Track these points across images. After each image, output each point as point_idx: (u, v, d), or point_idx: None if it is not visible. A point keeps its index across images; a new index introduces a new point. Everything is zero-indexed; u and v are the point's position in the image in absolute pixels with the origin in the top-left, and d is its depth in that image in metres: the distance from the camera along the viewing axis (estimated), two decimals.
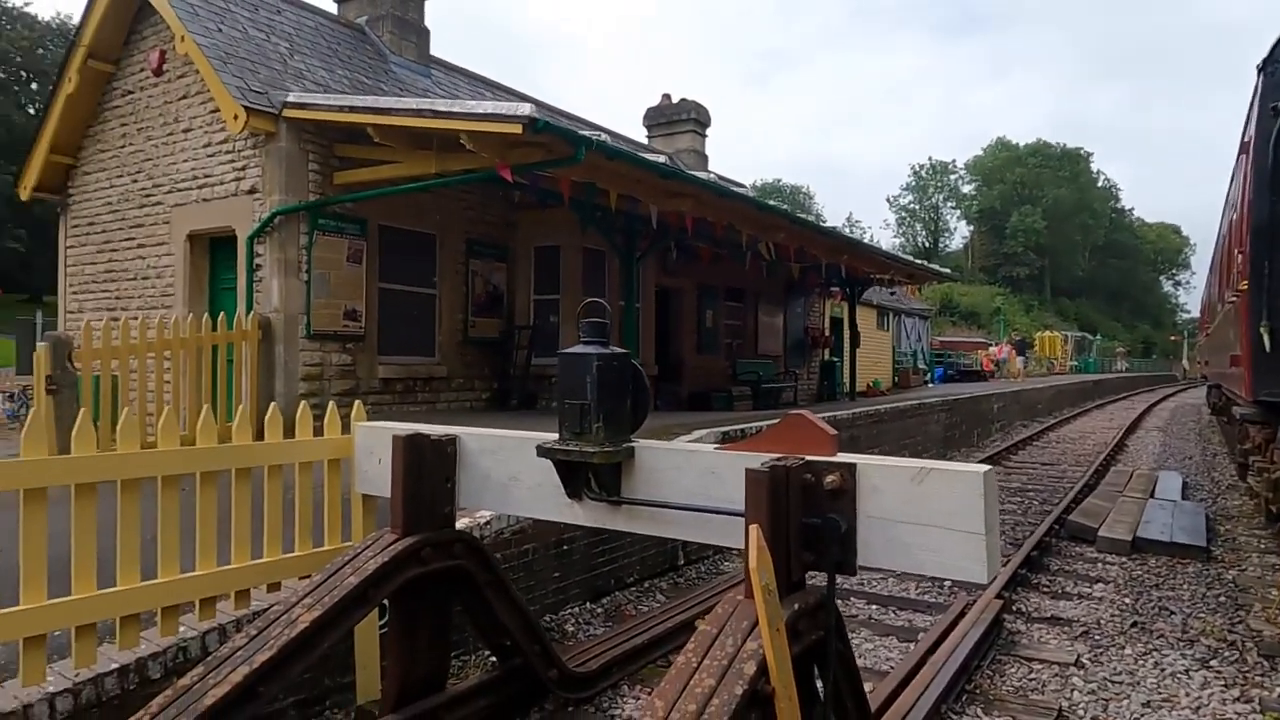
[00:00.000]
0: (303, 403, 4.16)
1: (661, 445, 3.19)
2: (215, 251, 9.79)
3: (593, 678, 4.41)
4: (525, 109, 6.75)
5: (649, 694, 4.58)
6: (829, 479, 2.67)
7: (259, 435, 3.88)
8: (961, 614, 5.45)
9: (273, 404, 4.09)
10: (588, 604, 5.99)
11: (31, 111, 52.19)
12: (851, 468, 2.66)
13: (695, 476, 3.04)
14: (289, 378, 8.76)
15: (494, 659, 4.70)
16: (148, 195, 10.15)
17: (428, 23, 12.88)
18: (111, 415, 7.23)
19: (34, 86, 53.71)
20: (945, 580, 6.46)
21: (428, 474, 3.61)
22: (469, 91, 13.34)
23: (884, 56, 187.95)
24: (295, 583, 4.15)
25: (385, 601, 3.58)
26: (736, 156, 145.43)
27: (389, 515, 4.48)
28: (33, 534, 3.06)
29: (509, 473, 3.60)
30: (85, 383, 7.15)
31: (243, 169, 9.07)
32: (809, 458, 2.74)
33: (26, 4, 57.69)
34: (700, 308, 15.28)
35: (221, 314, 8.44)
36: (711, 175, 10.88)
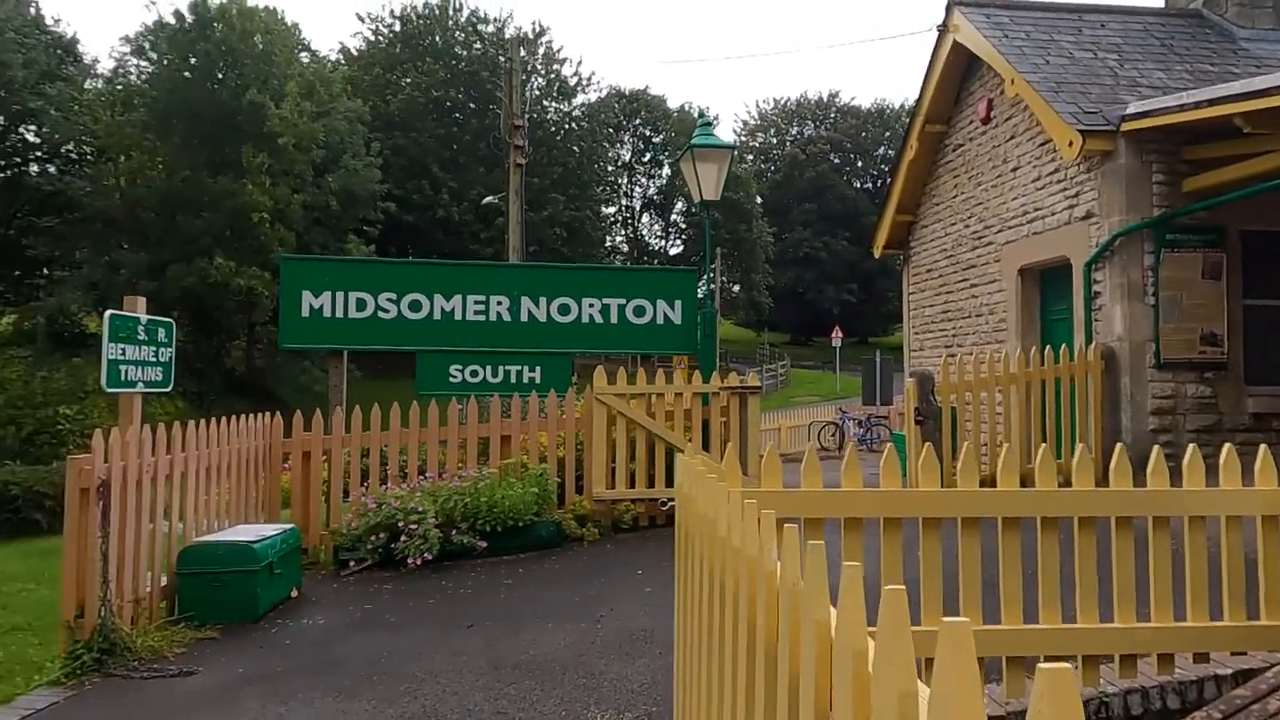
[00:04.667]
0: (1156, 447, 3.54)
1: None
2: (1044, 283, 9.74)
3: None
4: None
5: None
6: None
7: (1103, 478, 3.42)
8: None
9: (1119, 445, 3.56)
10: None
11: (857, 185, 62.95)
12: None
13: None
14: (1136, 412, 8.02)
15: None
16: (978, 237, 10.78)
17: None
18: (952, 447, 7.75)
19: (859, 164, 64.75)
20: None
21: None
22: None
23: None
24: (1224, 656, 3.56)
25: None
26: None
27: None
28: (971, 562, 3.27)
29: None
30: (945, 414, 7.83)
31: (1075, 195, 8.80)
32: None
33: (854, 99, 70.02)
34: None
35: (1064, 346, 8.27)
36: None
